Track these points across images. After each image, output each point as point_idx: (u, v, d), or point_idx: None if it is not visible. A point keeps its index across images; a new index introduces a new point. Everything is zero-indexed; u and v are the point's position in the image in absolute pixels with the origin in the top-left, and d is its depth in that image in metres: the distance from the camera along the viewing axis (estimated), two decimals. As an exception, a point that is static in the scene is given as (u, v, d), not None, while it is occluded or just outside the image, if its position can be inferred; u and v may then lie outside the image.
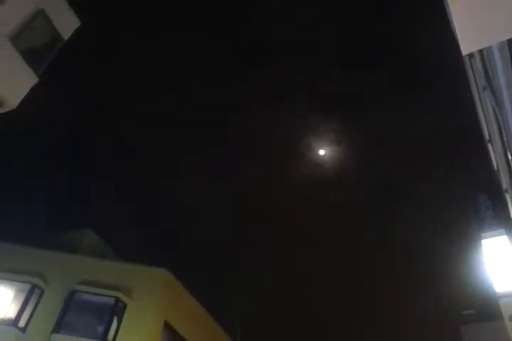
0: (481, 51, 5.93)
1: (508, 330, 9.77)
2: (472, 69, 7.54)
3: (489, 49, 4.87)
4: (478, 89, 7.88)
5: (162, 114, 33.23)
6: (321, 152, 33.00)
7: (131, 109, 32.02)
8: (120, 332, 13.05)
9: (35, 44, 11.12)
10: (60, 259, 14.25)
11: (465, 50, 3.56)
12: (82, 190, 31.47)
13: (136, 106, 31.91)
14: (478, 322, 16.86)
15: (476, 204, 11.87)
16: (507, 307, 9.82)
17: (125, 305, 13.49)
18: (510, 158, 6.47)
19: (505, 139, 6.52)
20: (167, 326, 14.36)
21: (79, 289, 13.39)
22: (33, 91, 10.93)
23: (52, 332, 12.55)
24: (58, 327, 12.66)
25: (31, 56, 10.82)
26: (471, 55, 6.83)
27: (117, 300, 13.33)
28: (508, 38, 3.45)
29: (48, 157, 28.60)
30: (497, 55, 4.47)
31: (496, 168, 9.93)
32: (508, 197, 9.31)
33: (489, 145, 9.61)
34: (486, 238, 10.98)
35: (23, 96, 10.57)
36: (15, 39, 10.25)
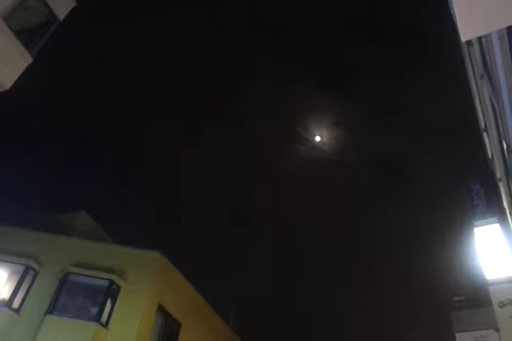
0: (479, 39, 5.89)
1: (497, 317, 9.92)
2: (470, 57, 7.50)
3: (488, 37, 4.84)
4: (475, 77, 7.85)
5: (161, 102, 33.05)
6: (318, 135, 32.97)
7: (130, 95, 31.81)
8: (114, 314, 13.14)
9: (29, 24, 10.96)
10: (55, 241, 14.27)
11: (464, 36, 3.53)
12: (78, 171, 31.43)
13: (136, 94, 31.73)
14: (468, 308, 17.09)
15: (469, 192, 11.93)
16: (496, 294, 9.95)
17: (119, 288, 13.56)
18: (505, 147, 6.48)
19: (500, 128, 6.52)
20: (161, 309, 14.47)
21: (73, 271, 13.43)
22: (27, 71, 10.80)
23: (45, 314, 12.63)
24: (52, 309, 12.73)
25: (26, 36, 10.66)
26: (469, 43, 6.78)
27: (111, 282, 13.40)
28: (509, 25, 3.42)
29: (42, 138, 28.46)
30: (496, 44, 4.44)
31: (490, 156, 9.96)
32: (501, 185, 9.35)
33: (484, 134, 9.63)
34: (478, 226, 11.06)
35: (16, 77, 10.44)
36: (8, 18, 10.09)
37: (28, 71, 10.75)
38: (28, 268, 13.28)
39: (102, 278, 13.39)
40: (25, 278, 13.16)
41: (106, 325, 12.84)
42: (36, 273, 13.40)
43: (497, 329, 11.47)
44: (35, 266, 13.41)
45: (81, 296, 13.33)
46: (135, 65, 29.94)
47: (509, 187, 8.00)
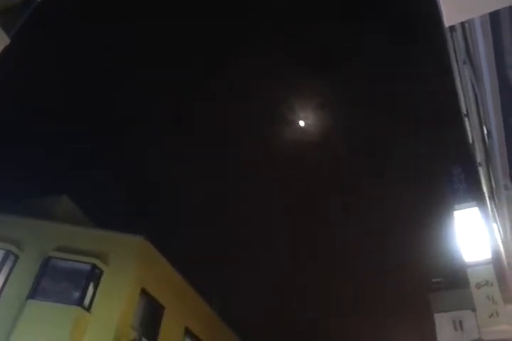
0: (462, 24, 5.90)
1: (474, 297, 10.16)
2: (453, 43, 7.52)
3: (471, 22, 4.84)
4: (457, 62, 7.88)
5: (144, 86, 32.64)
6: (303, 118, 32.95)
7: (114, 81, 31.34)
8: (96, 298, 13.15)
9: (5, 4, 10.62)
10: (36, 226, 14.11)
11: (448, 21, 3.52)
12: (59, 156, 31.03)
13: (120, 79, 31.29)
14: (446, 289, 17.49)
15: (450, 176, 12.12)
16: (474, 276, 10.18)
17: (101, 272, 13.54)
18: (485, 132, 6.55)
19: (481, 114, 6.58)
20: (144, 293, 14.51)
21: (54, 255, 13.34)
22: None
23: (27, 298, 12.56)
24: (33, 293, 12.66)
25: (2, 16, 10.34)
26: (452, 28, 6.79)
27: (94, 266, 13.36)
28: (492, 10, 3.42)
29: (24, 122, 27.94)
30: (479, 29, 4.44)
31: (471, 141, 10.08)
32: (481, 170, 9.49)
33: (466, 119, 9.72)
34: (458, 209, 11.27)
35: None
36: (-16, -2, 9.77)
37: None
38: (8, 253, 13.16)
39: (84, 262, 13.34)
40: (6, 263, 13.05)
41: (88, 309, 12.84)
42: (17, 258, 13.29)
43: (474, 310, 11.76)
44: (15, 250, 13.28)
45: (63, 280, 13.27)
46: (123, 53, 29.51)
47: (488, 172, 8.12)
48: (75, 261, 13.37)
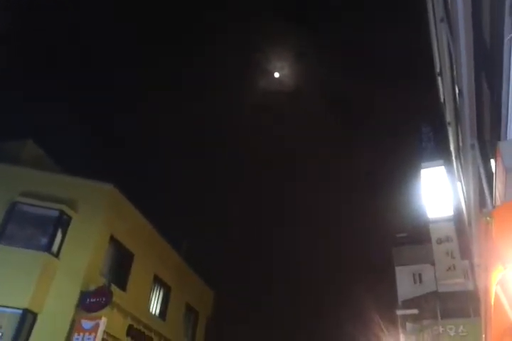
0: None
1: (434, 252, 10.57)
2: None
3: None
4: (435, 20, 7.74)
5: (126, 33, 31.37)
6: (279, 68, 32.57)
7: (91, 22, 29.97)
8: (65, 244, 13.15)
9: None
10: (1, 170, 13.78)
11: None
12: (26, 98, 30.06)
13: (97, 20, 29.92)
14: (408, 244, 18.17)
15: (420, 135, 12.24)
16: (436, 232, 10.52)
17: (70, 218, 13.48)
18: (457, 92, 6.54)
19: (454, 73, 6.54)
20: (113, 240, 14.58)
21: (21, 201, 13.14)
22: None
23: (-7, 243, 12.47)
24: (-1, 238, 12.58)
25: None
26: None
27: (62, 212, 13.27)
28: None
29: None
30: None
31: (442, 100, 10.11)
32: (449, 130, 9.59)
33: (439, 78, 9.70)
34: (424, 167, 11.48)
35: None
36: None
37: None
38: (-27, 197, 12.93)
39: (52, 209, 13.21)
40: (-30, 207, 12.84)
41: (56, 255, 12.87)
42: (-19, 202, 13.07)
43: (433, 264, 12.25)
44: (-20, 195, 13.04)
45: (30, 226, 13.17)
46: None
47: (457, 132, 8.21)
48: (42, 207, 13.21)
